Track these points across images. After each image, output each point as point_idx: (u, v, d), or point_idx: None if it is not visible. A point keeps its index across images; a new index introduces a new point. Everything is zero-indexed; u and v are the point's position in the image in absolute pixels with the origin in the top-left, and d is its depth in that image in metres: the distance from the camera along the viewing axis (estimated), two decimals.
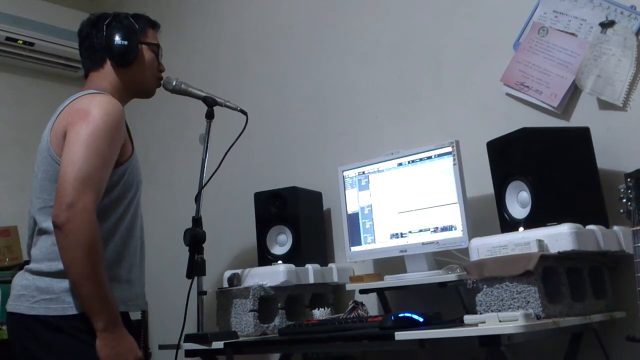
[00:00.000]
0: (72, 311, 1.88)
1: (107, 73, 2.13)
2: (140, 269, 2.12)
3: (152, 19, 2.27)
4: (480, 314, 1.91)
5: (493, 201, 2.20)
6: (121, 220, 2.03)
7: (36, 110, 3.72)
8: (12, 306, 1.95)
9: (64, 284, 1.89)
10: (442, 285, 2.25)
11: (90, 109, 1.95)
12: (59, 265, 1.87)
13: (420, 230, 2.40)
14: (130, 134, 2.11)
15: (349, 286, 2.54)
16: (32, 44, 3.63)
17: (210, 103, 2.47)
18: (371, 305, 2.63)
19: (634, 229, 1.70)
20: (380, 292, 2.60)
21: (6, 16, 3.50)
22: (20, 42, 3.59)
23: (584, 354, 2.15)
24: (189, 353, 2.38)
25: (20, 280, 1.98)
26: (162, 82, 2.31)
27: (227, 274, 2.62)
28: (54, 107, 2.09)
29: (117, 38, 2.11)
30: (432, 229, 2.37)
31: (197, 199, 2.42)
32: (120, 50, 2.12)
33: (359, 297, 2.54)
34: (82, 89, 2.10)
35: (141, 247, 2.13)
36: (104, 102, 1.98)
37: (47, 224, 1.91)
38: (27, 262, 2.04)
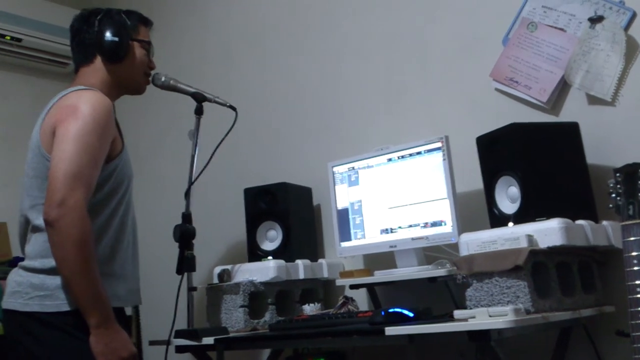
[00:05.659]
0: (66, 307, 1.89)
1: (97, 69, 2.12)
2: (134, 264, 2.12)
3: (145, 15, 2.26)
4: (470, 309, 1.92)
5: (482, 196, 2.20)
6: (113, 216, 2.02)
7: (24, 107, 3.69)
8: (7, 303, 1.95)
9: (57, 280, 1.90)
10: (432, 280, 2.25)
11: (78, 105, 1.94)
12: (52, 262, 1.88)
13: (410, 226, 2.40)
14: (120, 130, 2.11)
15: (339, 281, 2.55)
16: (19, 40, 3.60)
17: (200, 99, 2.46)
18: (361, 300, 2.63)
19: (623, 223, 1.71)
20: (370, 287, 2.60)
21: None
22: (8, 37, 3.56)
23: (574, 349, 2.16)
24: (179, 349, 2.38)
25: (15, 277, 1.98)
26: (151, 78, 2.31)
27: (217, 269, 2.62)
28: (42, 103, 2.08)
29: (108, 34, 2.10)
30: (422, 225, 2.37)
31: (187, 195, 2.41)
32: (111, 46, 2.11)
33: (349, 293, 2.54)
34: (71, 85, 2.10)
35: (134, 242, 2.13)
36: (92, 98, 1.98)
37: (40, 221, 1.91)
38: (18, 259, 2.04)
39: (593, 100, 2.28)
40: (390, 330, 1.90)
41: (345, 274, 2.55)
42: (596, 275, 2.13)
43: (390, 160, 2.50)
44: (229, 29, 3.47)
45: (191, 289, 2.38)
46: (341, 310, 2.34)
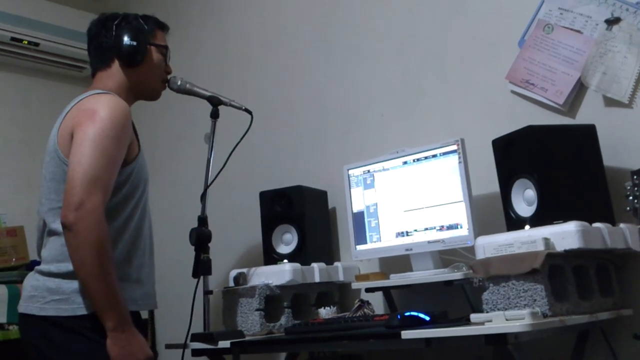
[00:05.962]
0: (82, 311, 1.89)
1: (114, 73, 2.14)
2: (150, 267, 2.12)
3: (161, 20, 2.27)
4: (487, 312, 1.91)
5: (499, 199, 2.19)
6: (130, 220, 2.03)
7: (41, 111, 3.73)
8: (23, 307, 1.96)
9: (74, 284, 1.90)
10: (448, 283, 2.25)
11: (96, 109, 1.95)
12: (68, 267, 1.88)
13: (426, 229, 2.39)
14: (137, 134, 2.11)
15: (355, 285, 2.54)
16: (37, 44, 3.64)
17: (215, 102, 2.47)
18: (377, 303, 2.63)
19: None
20: (386, 290, 2.59)
21: (11, 16, 3.51)
22: (25, 42, 3.60)
23: (591, 352, 2.15)
24: (195, 352, 2.39)
25: (31, 281, 1.99)
26: (167, 82, 2.32)
27: (233, 273, 2.63)
28: (59, 107, 2.09)
29: (125, 38, 2.11)
30: (438, 228, 2.36)
31: (203, 198, 2.42)
32: (129, 51, 2.12)
33: (364, 296, 2.53)
34: (89, 89, 2.11)
35: (150, 245, 2.13)
36: (110, 102, 1.99)
37: (57, 225, 1.92)
38: (35, 262, 2.04)
39: (610, 102, 2.27)
40: (406, 334, 1.89)
41: (361, 277, 2.55)
42: (613, 278, 2.11)
43: (405, 163, 2.49)
44: (245, 32, 3.48)
45: (207, 292, 2.39)
46: (357, 314, 2.34)
